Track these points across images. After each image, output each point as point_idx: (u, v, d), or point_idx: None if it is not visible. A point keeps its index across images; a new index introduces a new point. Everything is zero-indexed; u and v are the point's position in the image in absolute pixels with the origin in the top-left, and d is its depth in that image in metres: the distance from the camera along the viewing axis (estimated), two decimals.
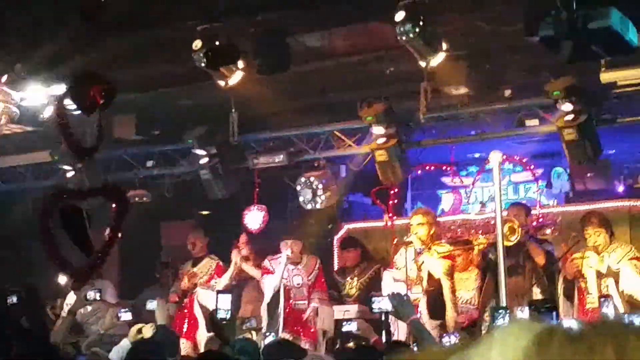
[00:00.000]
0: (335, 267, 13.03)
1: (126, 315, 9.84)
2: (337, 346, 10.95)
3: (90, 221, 4.78)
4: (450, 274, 10.97)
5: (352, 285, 12.16)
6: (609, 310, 6.87)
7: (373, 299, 7.75)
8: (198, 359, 6.67)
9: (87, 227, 4.77)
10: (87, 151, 5.01)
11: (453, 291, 10.89)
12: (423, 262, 11.05)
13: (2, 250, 14.43)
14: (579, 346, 1.23)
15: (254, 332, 9.84)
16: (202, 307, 12.05)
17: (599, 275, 10.23)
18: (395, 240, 11.48)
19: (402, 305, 6.89)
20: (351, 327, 8.84)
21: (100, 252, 4.94)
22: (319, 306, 11.81)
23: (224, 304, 7.10)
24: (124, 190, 5.15)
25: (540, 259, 10.75)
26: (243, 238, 12.52)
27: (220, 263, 12.46)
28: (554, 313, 6.18)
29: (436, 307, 10.92)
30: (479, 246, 10.95)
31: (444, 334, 8.96)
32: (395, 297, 6.99)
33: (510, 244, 10.09)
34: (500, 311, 7.77)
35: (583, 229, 10.42)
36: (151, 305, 9.79)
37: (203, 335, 11.84)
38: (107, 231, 5.18)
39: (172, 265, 13.41)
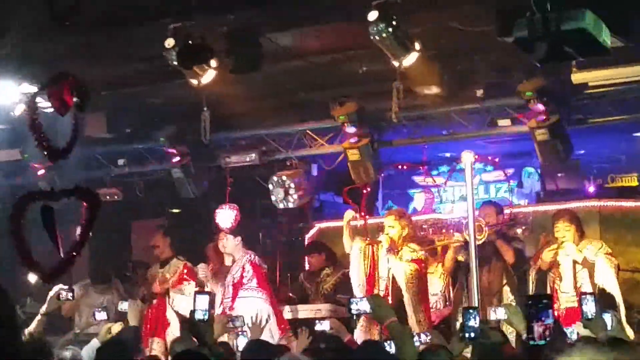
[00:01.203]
0: (307, 268, 13.03)
1: (101, 315, 9.80)
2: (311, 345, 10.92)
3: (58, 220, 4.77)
4: (414, 281, 10.80)
5: (315, 290, 12.16)
6: (588, 308, 6.87)
7: (351, 299, 7.72)
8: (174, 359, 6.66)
9: (57, 228, 4.75)
10: (59, 152, 4.97)
11: (418, 300, 10.74)
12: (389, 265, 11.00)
13: None
14: None
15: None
16: (176, 312, 11.97)
17: (575, 265, 10.28)
18: (368, 239, 11.47)
19: (380, 308, 6.89)
20: (324, 326, 8.82)
21: (71, 251, 4.91)
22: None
23: (202, 304, 7.06)
24: (95, 190, 5.12)
25: (510, 257, 10.81)
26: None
27: (188, 264, 12.35)
28: (550, 310, 6.17)
29: (400, 312, 10.90)
30: (455, 244, 10.95)
31: (415, 334, 8.94)
32: (373, 299, 6.99)
33: (478, 242, 10.10)
34: (471, 311, 7.77)
35: (553, 225, 10.46)
36: (123, 306, 9.74)
37: (173, 335, 11.79)
38: (78, 230, 5.14)
39: (143, 264, 13.35)
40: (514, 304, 10.12)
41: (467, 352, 7.63)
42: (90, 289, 12.76)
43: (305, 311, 11.66)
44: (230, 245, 11.73)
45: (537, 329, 6.13)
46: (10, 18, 9.82)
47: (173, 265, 12.44)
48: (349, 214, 11.28)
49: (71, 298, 10.26)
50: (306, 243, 13.05)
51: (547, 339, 5.87)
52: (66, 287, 9.98)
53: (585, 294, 7.32)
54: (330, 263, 12.27)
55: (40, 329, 9.47)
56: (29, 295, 12.86)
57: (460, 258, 10.91)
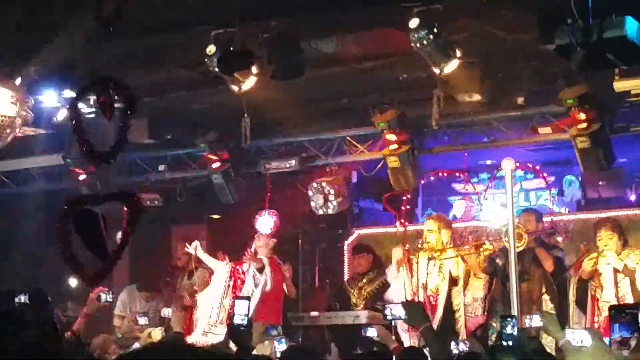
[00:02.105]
0: (346, 275, 13.03)
1: (143, 320, 9.89)
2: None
3: (107, 225, 4.81)
4: (452, 282, 10.93)
5: (359, 295, 12.13)
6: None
7: (386, 306, 7.74)
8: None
9: (104, 232, 4.79)
10: (102, 157, 5.02)
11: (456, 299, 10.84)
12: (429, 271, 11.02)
13: (12, 254, 14.45)
14: None
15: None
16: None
17: (616, 273, 10.21)
18: (407, 246, 11.47)
19: (415, 313, 6.89)
20: (370, 333, 8.83)
21: (112, 255, 4.96)
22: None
23: (241, 309, 7.08)
24: (138, 195, 5.17)
25: (549, 265, 10.74)
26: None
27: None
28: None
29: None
30: (485, 252, 10.92)
31: (453, 342, 8.93)
32: (408, 305, 6.99)
33: (517, 250, 10.06)
34: (509, 319, 7.75)
35: (596, 233, 10.41)
36: (166, 312, 9.82)
37: (194, 338, 11.82)
38: (119, 235, 5.20)
39: (183, 270, 13.41)
40: (553, 312, 10.09)
41: None
42: (137, 295, 12.85)
43: (344, 317, 11.65)
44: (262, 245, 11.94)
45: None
46: (56, 25, 9.91)
47: (199, 276, 12.51)
48: (398, 253, 11.39)
49: (110, 300, 10.34)
50: (352, 246, 13.02)
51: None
52: (106, 289, 10.05)
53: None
54: (375, 266, 12.23)
55: (81, 329, 9.55)
56: (70, 299, 12.97)
57: (498, 261, 10.86)
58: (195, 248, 12.23)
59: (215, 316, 11.82)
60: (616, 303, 10.18)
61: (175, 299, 12.42)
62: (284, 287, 12.08)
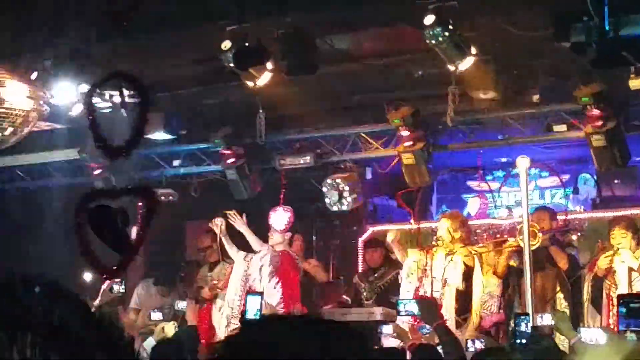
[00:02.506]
0: (360, 270, 13.03)
1: (156, 315, 9.93)
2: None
3: (127, 220, 4.82)
4: (466, 278, 10.92)
5: (370, 288, 12.12)
6: None
7: (399, 301, 7.77)
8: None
9: (123, 226, 4.81)
10: (117, 151, 5.03)
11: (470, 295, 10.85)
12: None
13: (28, 247, 14.51)
14: None
15: None
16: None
17: (630, 272, 10.20)
18: (422, 243, 11.48)
19: (428, 310, 6.91)
20: (387, 330, 8.85)
21: (130, 250, 4.98)
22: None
23: (254, 304, 7.09)
24: (154, 190, 5.19)
25: (564, 264, 10.73)
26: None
27: None
28: None
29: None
30: (508, 249, 10.89)
31: (469, 340, 8.94)
32: (422, 301, 7.00)
33: (532, 248, 10.05)
34: (522, 317, 7.78)
35: (610, 232, 10.40)
36: (180, 305, 9.84)
37: (221, 333, 11.85)
38: (135, 230, 5.21)
39: (197, 265, 13.44)
40: (567, 310, 10.08)
41: None
42: (152, 290, 12.90)
43: (359, 314, 11.66)
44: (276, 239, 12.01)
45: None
46: (70, 18, 9.94)
47: (221, 271, 12.52)
48: (391, 234, 11.41)
49: (123, 291, 10.40)
50: (365, 240, 13.02)
51: None
52: (119, 280, 10.09)
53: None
54: (387, 261, 12.22)
55: None
56: (85, 294, 13.01)
57: (513, 263, 10.85)
58: (220, 227, 12.19)
59: (237, 308, 11.78)
60: None
61: (190, 291, 12.47)
62: (299, 278, 12.16)
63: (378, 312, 11.37)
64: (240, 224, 12.19)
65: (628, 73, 10.69)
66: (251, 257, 12.06)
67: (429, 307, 7.17)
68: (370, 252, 12.38)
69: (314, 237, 13.87)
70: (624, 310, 6.60)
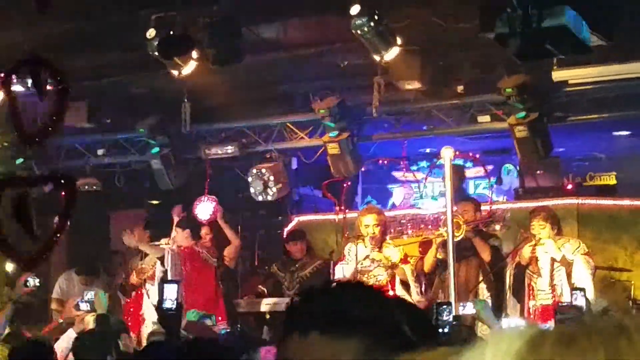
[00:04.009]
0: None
1: (85, 306, 9.81)
2: None
3: (37, 209, 4.74)
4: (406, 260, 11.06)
5: (291, 279, 12.07)
6: (579, 303, 6.92)
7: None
8: (142, 351, 6.63)
9: (33, 215, 4.73)
10: (36, 138, 4.95)
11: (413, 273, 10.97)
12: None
13: None
14: (571, 349, 1.23)
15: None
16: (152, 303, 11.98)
17: (553, 262, 10.31)
18: (347, 233, 11.50)
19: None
20: None
21: (49, 239, 4.90)
22: None
23: (170, 293, 7.04)
24: (73, 178, 5.11)
25: (486, 255, 10.81)
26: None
27: None
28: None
29: None
30: (438, 239, 10.94)
31: None
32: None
33: (455, 239, 10.11)
34: (444, 306, 7.83)
35: (530, 222, 10.50)
36: (89, 295, 9.75)
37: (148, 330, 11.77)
38: (56, 219, 5.13)
39: (121, 255, 13.34)
40: (489, 300, 10.17)
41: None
42: (75, 279, 12.76)
43: (275, 304, 11.55)
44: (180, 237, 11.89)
45: None
46: None
47: (152, 257, 12.44)
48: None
49: (38, 284, 10.27)
50: (288, 232, 12.96)
51: None
52: (32, 273, 9.97)
53: (576, 289, 7.39)
54: (308, 252, 12.20)
55: (9, 315, 9.47)
56: (6, 284, 12.83)
57: (439, 255, 10.91)
58: (135, 238, 12.17)
59: None
60: (551, 292, 10.31)
61: (113, 282, 12.39)
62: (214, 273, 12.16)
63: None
64: (133, 241, 12.15)
65: (551, 65, 10.82)
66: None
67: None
68: (296, 244, 12.27)
69: (239, 227, 13.80)
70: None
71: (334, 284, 2.00)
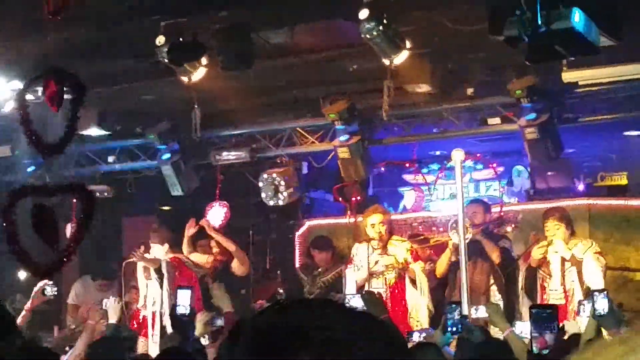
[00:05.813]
0: (297, 263, 13.00)
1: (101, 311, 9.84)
2: None
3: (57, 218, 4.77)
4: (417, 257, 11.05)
5: (312, 283, 12.07)
6: (600, 305, 6.90)
7: (345, 296, 7.76)
8: (158, 357, 6.65)
9: (56, 224, 4.75)
10: (51, 148, 4.97)
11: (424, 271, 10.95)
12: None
13: None
14: None
15: None
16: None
17: (563, 262, 10.30)
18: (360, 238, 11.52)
19: (372, 304, 6.92)
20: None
21: (66, 248, 4.92)
22: None
23: (184, 299, 7.05)
24: (88, 187, 5.12)
25: (496, 257, 10.81)
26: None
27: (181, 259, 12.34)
28: (556, 323, 6.28)
29: None
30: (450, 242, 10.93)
31: (409, 331, 8.98)
32: (366, 296, 7.01)
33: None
34: (454, 305, 7.85)
35: (543, 223, 10.49)
36: (105, 303, 9.77)
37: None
38: (72, 227, 5.15)
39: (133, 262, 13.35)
40: (500, 303, 10.17)
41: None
42: (91, 284, 12.79)
43: None
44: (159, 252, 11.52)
45: (541, 338, 6.22)
46: (1, 14, 9.80)
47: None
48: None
49: (55, 293, 10.27)
50: (312, 240, 12.86)
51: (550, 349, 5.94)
52: (51, 282, 9.98)
53: (595, 291, 7.36)
54: (333, 260, 12.11)
55: (23, 324, 9.47)
56: (19, 291, 12.87)
57: (453, 258, 10.91)
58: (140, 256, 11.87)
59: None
60: (563, 292, 10.31)
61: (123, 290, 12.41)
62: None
63: None
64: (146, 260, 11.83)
65: (561, 66, 10.81)
66: None
67: (374, 302, 7.19)
68: (317, 252, 12.16)
69: (251, 232, 13.83)
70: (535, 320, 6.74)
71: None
